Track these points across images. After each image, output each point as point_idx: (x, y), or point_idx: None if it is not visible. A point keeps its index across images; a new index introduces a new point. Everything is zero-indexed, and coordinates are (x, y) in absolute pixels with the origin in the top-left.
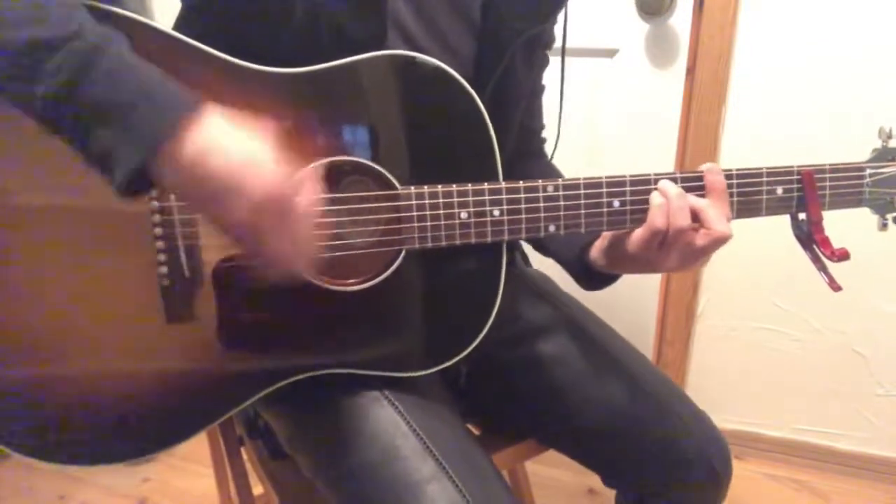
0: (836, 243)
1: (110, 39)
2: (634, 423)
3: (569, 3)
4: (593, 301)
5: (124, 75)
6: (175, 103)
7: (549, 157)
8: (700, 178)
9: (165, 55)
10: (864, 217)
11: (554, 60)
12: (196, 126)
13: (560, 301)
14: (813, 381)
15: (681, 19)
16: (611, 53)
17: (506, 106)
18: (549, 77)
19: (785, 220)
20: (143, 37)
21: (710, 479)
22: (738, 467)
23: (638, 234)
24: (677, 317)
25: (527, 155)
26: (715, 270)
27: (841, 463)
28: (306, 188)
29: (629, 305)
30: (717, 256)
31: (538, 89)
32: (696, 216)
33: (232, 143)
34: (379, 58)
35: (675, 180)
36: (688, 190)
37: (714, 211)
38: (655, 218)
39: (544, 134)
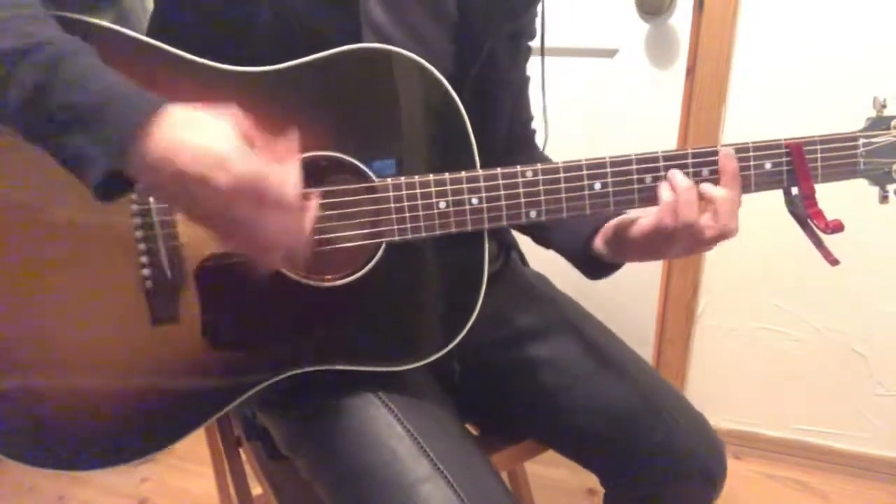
0: (836, 244)
1: (77, 48)
2: (630, 424)
3: (568, 4)
4: (593, 301)
5: (90, 80)
6: (140, 104)
7: (542, 148)
8: (714, 153)
9: (138, 60)
10: (863, 217)
11: (558, 61)
12: (162, 124)
13: (557, 302)
14: (813, 381)
15: (681, 19)
16: (611, 53)
17: (491, 99)
18: (551, 78)
19: (785, 220)
20: (112, 41)
21: (706, 479)
22: (737, 467)
23: (644, 224)
24: (677, 317)
25: (516, 145)
26: (715, 270)
27: (841, 463)
28: (285, 172)
29: (629, 305)
30: (718, 257)
31: (523, 80)
32: (707, 203)
33: (197, 135)
34: (351, 52)
35: (685, 156)
36: (699, 165)
37: (730, 206)
38: (664, 216)
39: (533, 125)
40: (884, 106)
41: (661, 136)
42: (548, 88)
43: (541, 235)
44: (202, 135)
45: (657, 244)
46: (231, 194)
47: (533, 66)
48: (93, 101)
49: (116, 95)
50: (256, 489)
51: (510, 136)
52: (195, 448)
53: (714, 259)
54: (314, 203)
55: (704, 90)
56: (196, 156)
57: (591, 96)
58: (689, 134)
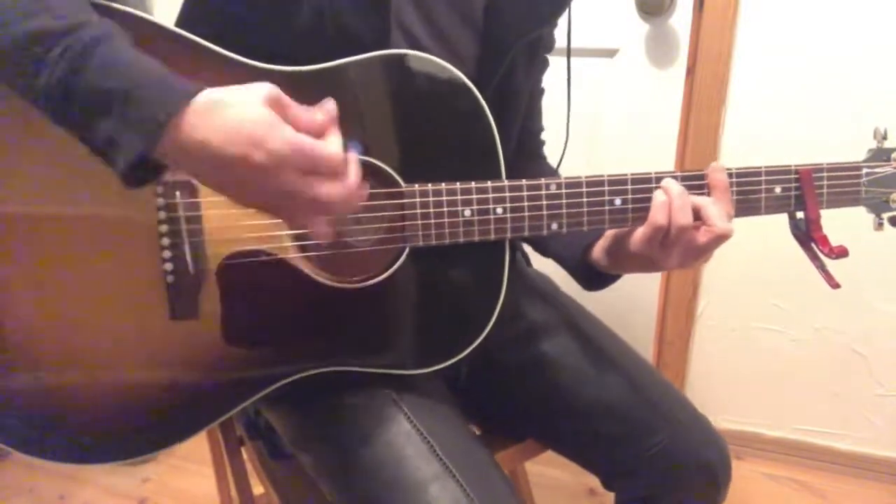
0: (836, 242)
1: (112, 31)
2: (633, 425)
3: (571, 6)
4: (593, 302)
5: (124, 64)
6: (173, 90)
7: (558, 162)
8: (702, 178)
9: (167, 50)
10: (862, 217)
11: (557, 62)
12: (195, 109)
13: (560, 302)
14: (813, 381)
15: (681, 19)
16: (611, 53)
17: (507, 108)
18: (555, 79)
19: (785, 219)
20: (145, 32)
21: (710, 482)
22: (738, 467)
23: (640, 232)
24: (677, 317)
25: (526, 156)
26: (715, 271)
27: (841, 463)
28: (323, 137)
29: (629, 306)
30: (717, 257)
31: (537, 91)
32: (697, 214)
33: (228, 116)
34: (384, 56)
35: (676, 178)
36: (690, 189)
37: (716, 208)
38: (657, 215)
39: (543, 136)
40: (885, 137)
41: (661, 136)
42: (548, 88)
43: (540, 243)
44: (232, 114)
45: (654, 252)
46: (271, 170)
47: (555, 75)
48: (125, 87)
49: (149, 81)
50: (258, 489)
51: (518, 147)
52: (196, 448)
53: (714, 259)
54: (354, 158)
55: (704, 90)
56: (229, 137)
57: (591, 96)
58: (689, 134)
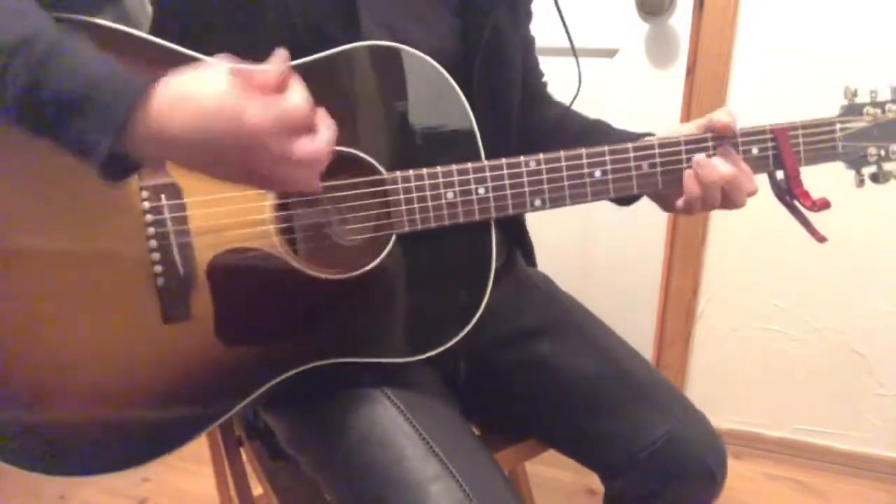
0: (837, 242)
1: (65, 37)
2: (632, 423)
3: (568, 4)
4: (593, 301)
5: (79, 68)
6: (129, 84)
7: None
8: (702, 142)
9: (142, 58)
10: (861, 219)
11: (557, 62)
12: (165, 96)
13: (560, 301)
14: (813, 381)
15: (681, 19)
16: (611, 53)
17: (502, 67)
18: (554, 79)
19: (784, 221)
20: (118, 42)
21: (706, 479)
22: (737, 467)
23: (681, 199)
24: (677, 317)
25: (536, 102)
26: (715, 270)
27: (841, 463)
28: (293, 95)
29: (629, 306)
30: (718, 257)
31: (529, 43)
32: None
33: (200, 98)
34: (353, 49)
35: (677, 143)
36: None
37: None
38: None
39: (545, 80)
40: (855, 94)
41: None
42: (548, 88)
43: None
44: (205, 95)
45: (694, 208)
46: (256, 140)
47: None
48: (84, 88)
49: (105, 79)
50: (257, 489)
51: (525, 97)
52: (195, 448)
53: (714, 259)
54: (323, 112)
55: (704, 90)
56: (209, 116)
57: (591, 96)
58: None
